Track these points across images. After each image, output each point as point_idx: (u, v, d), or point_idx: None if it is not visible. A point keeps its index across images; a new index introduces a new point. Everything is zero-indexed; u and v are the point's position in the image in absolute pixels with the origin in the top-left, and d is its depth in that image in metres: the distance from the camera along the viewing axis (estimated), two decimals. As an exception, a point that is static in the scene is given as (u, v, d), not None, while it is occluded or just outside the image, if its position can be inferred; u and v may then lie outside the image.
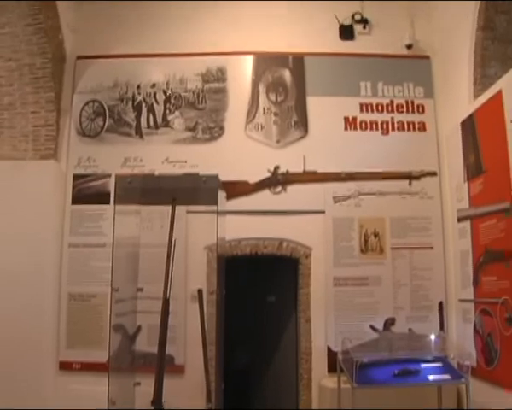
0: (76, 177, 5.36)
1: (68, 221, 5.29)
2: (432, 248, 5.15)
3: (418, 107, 5.43)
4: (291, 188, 5.24)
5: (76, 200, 5.31)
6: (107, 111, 5.47)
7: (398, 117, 5.40)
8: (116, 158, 5.31)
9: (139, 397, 3.96)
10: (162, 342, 3.50)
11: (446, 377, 4.20)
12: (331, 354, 4.93)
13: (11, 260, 4.98)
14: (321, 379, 4.96)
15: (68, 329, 5.15)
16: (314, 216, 5.17)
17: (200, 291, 3.80)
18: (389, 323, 5.06)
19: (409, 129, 5.38)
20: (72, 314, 5.16)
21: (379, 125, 5.37)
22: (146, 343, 4.83)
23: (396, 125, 5.38)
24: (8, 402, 4.77)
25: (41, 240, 5.08)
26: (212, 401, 3.50)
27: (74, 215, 5.29)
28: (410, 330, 5.01)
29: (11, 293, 4.95)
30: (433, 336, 4.69)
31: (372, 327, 5.04)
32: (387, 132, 5.37)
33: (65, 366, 5.11)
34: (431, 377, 4.19)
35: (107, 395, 3.29)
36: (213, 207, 3.84)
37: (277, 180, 5.23)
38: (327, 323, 5.04)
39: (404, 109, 5.41)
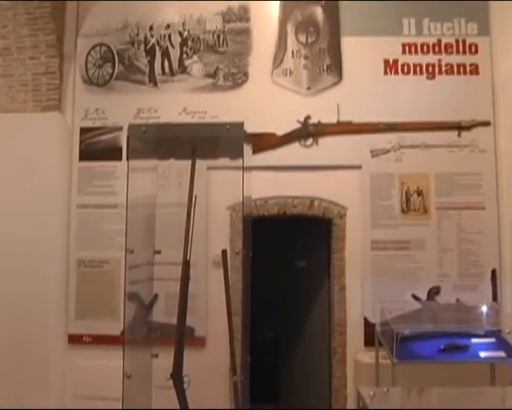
0: (83, 130, 5.24)
1: (76, 180, 5.19)
2: (483, 208, 4.98)
3: (470, 46, 5.16)
4: (323, 140, 5.08)
5: (84, 156, 5.20)
6: (116, 56, 5.31)
7: (446, 59, 5.16)
8: (128, 109, 5.16)
9: (157, 371, 3.86)
10: (182, 309, 3.42)
11: (500, 354, 4.08)
12: (368, 326, 4.85)
13: (13, 224, 4.89)
14: (356, 354, 4.88)
15: (78, 298, 5.10)
16: (349, 172, 5.03)
17: (224, 252, 3.66)
18: (434, 292, 4.92)
19: (459, 72, 5.14)
20: (82, 282, 5.09)
21: (424, 69, 5.14)
22: (163, 313, 4.75)
23: (444, 69, 5.14)
24: (12, 380, 4.78)
25: (46, 201, 4.96)
26: (238, 375, 3.36)
27: (82, 173, 5.19)
28: (457, 300, 4.88)
29: (14, 260, 4.87)
30: (484, 308, 4.57)
31: (414, 296, 4.91)
32: (434, 76, 5.13)
33: (74, 340, 5.07)
34: (482, 354, 4.08)
35: (122, 369, 3.19)
36: (237, 162, 3.66)
37: (308, 132, 5.07)
38: (363, 291, 4.94)
39: (454, 50, 5.17)
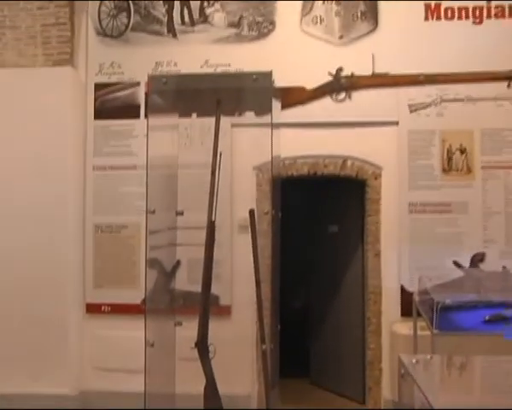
0: (98, 86, 5.24)
1: (91, 140, 5.21)
2: (534, 167, 4.91)
3: (523, -14, 5.02)
4: (357, 94, 5.03)
5: (99, 114, 5.22)
6: (131, 5, 5.27)
7: (495, 1, 5.00)
8: (145, 62, 5.14)
9: (180, 341, 3.91)
10: (207, 274, 3.40)
11: (550, 325, 4.04)
12: (405, 295, 4.84)
13: (26, 188, 4.95)
14: (393, 324, 4.88)
15: (95, 266, 5.17)
16: (385, 128, 4.98)
17: (252, 212, 3.62)
18: (477, 259, 4.88)
19: (511, 15, 4.98)
20: (100, 249, 5.16)
21: (470, 13, 5.02)
22: (186, 281, 4.80)
23: (493, 12, 5.01)
24: (28, 352, 4.90)
25: (59, 163, 5.00)
26: (267, 343, 3.38)
27: (98, 133, 5.21)
28: (503, 268, 4.82)
29: (28, 226, 4.95)
30: (533, 276, 4.52)
31: (456, 263, 4.88)
32: (481, 21, 5.01)
33: (92, 309, 5.15)
34: (531, 326, 4.03)
35: (145, 337, 3.22)
36: (264, 119, 3.61)
37: (340, 85, 5.02)
38: (400, 257, 4.93)
39: (504, -10, 5.03)
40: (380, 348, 4.95)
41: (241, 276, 4.73)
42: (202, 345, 3.42)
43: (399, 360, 2.51)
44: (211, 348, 3.47)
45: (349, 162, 5.01)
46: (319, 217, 5.77)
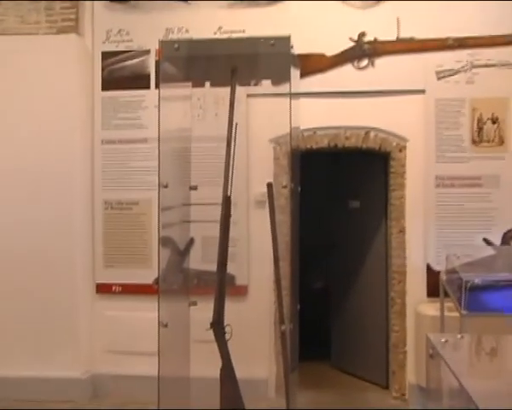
0: (105, 55, 5.25)
1: (99, 112, 5.25)
2: None
3: None
4: (381, 61, 5.00)
5: (107, 85, 5.23)
6: None
7: (531, -43, 4.93)
8: (155, 29, 5.12)
9: (195, 323, 3.94)
10: (223, 252, 3.41)
11: None
12: (431, 274, 4.86)
13: (30, 163, 5.00)
14: (418, 305, 4.90)
15: (105, 244, 5.23)
16: (411, 97, 4.95)
17: (270, 185, 3.62)
18: (509, 236, 4.87)
19: None
20: (110, 226, 5.21)
21: None
22: (200, 260, 4.85)
23: None
24: (37, 334, 4.99)
25: (65, 137, 5.04)
26: (286, 323, 3.40)
27: (106, 104, 5.23)
28: None
29: (33, 205, 5.01)
30: None
31: (486, 241, 4.87)
32: None
33: (102, 289, 5.23)
34: None
35: (158, 317, 3.25)
36: (281, 88, 3.58)
37: (363, 51, 5.00)
38: (426, 234, 4.93)
39: None
40: (404, 331, 4.97)
41: (259, 254, 4.78)
42: (218, 326, 3.44)
43: (427, 340, 2.50)
44: (227, 329, 3.48)
45: (372, 134, 5.00)
46: (340, 192, 5.78)
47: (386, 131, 4.98)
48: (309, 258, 5.52)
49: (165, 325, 3.27)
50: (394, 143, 4.98)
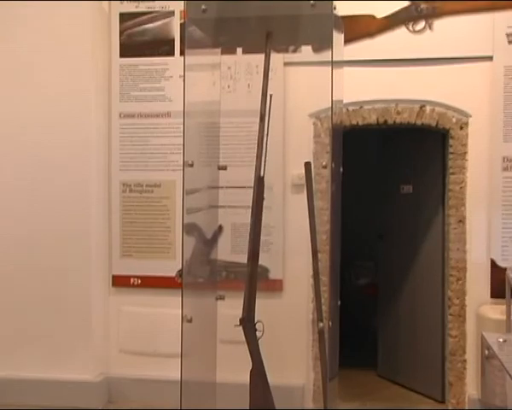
0: (124, 17, 5.31)
1: (116, 82, 5.33)
2: None
3: None
4: (440, 24, 4.97)
5: (126, 51, 5.30)
6: None
7: None
8: (180, -13, 5.20)
9: (223, 320, 4.01)
10: (255, 241, 3.44)
11: None
12: (496, 271, 4.85)
13: (40, 138, 5.14)
14: (480, 307, 4.90)
15: (123, 232, 5.33)
16: (475, 65, 4.94)
17: (308, 165, 3.64)
18: None
19: None
20: (128, 211, 5.31)
21: None
22: (229, 249, 4.94)
23: None
24: (47, 331, 5.15)
25: (79, 109, 5.15)
26: (325, 321, 3.43)
27: (124, 73, 5.31)
28: None
29: (43, 187, 5.16)
30: None
31: None
32: None
33: (119, 282, 5.35)
34: None
35: (181, 312, 3.30)
36: (323, 55, 3.59)
37: (419, 12, 4.97)
38: (490, 225, 4.93)
39: None
40: (463, 336, 4.98)
41: (296, 245, 4.84)
42: (248, 322, 3.48)
43: (482, 339, 2.57)
44: (258, 326, 3.52)
45: (428, 108, 4.99)
46: (390, 176, 5.79)
47: (445, 104, 4.97)
48: (353, 251, 5.58)
49: (190, 321, 3.30)
50: (454, 119, 4.97)
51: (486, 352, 2.49)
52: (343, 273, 4.34)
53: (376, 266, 6.11)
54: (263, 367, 3.56)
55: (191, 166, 3.29)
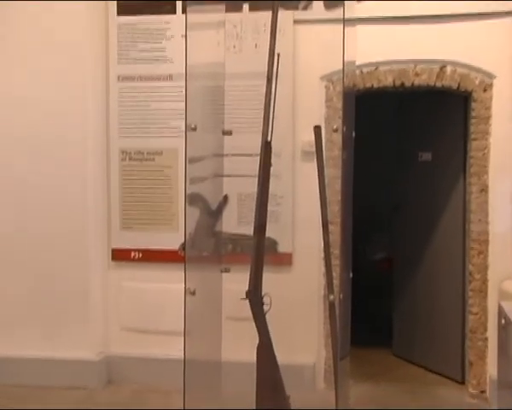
0: None
1: (114, 42, 5.33)
2: None
3: None
4: None
5: (124, 8, 5.28)
6: None
7: None
8: None
9: (228, 294, 4.04)
10: (262, 210, 3.47)
11: None
12: None
13: (34, 104, 5.15)
14: (502, 282, 4.90)
15: (123, 203, 5.37)
16: (501, 22, 4.89)
17: (317, 129, 3.65)
18: None
19: None
20: (128, 181, 5.34)
21: None
22: (235, 221, 4.98)
23: None
24: (44, 307, 5.22)
25: (74, 71, 5.16)
26: (336, 293, 3.45)
27: (123, 33, 5.30)
28: None
29: (37, 155, 5.19)
30: None
31: None
32: None
33: (119, 256, 5.40)
34: None
35: (184, 285, 3.31)
36: (335, 13, 3.61)
37: None
38: None
39: None
40: (485, 313, 5.01)
41: (306, 216, 4.86)
42: (255, 294, 3.51)
43: (499, 309, 2.59)
44: (266, 299, 3.55)
45: (449, 69, 4.97)
46: (408, 142, 5.78)
47: (468, 65, 4.94)
48: (368, 222, 5.59)
49: (193, 293, 3.31)
50: (477, 81, 4.95)
51: (503, 321, 2.52)
52: (357, 247, 4.34)
53: (392, 239, 6.12)
54: (270, 342, 3.59)
55: (194, 130, 3.30)
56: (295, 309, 4.77)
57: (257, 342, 3.65)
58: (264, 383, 3.50)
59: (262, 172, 3.44)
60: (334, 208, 4.44)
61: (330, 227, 3.95)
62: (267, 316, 3.58)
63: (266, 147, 3.41)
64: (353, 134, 3.65)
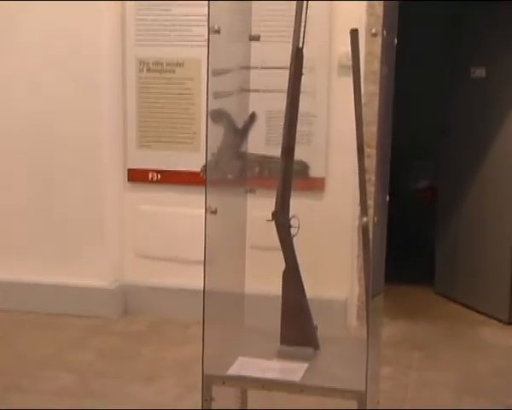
0: None
1: None
2: None
3: None
4: None
5: None
6: None
7: None
8: None
9: (253, 220, 4.04)
10: (291, 126, 3.41)
11: None
12: None
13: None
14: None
15: (139, 119, 5.39)
16: None
17: (354, 32, 3.53)
18: None
19: None
20: (145, 94, 5.34)
21: None
22: (263, 141, 4.94)
23: None
24: (54, 232, 5.34)
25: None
26: (370, 215, 3.38)
27: None
28: None
29: (48, 64, 5.21)
30: None
31: None
32: None
33: (136, 177, 5.45)
34: None
35: (205, 201, 3.27)
36: None
37: None
38: None
39: None
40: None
41: (341, 138, 4.78)
42: (282, 215, 3.47)
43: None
44: (294, 222, 3.53)
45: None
46: (458, 55, 5.68)
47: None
48: (411, 147, 5.54)
49: (214, 212, 3.26)
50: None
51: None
52: (398, 174, 4.29)
53: (438, 166, 6.08)
54: (297, 266, 3.52)
55: (217, 32, 3.22)
56: (327, 239, 4.80)
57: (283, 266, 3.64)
58: (290, 311, 3.49)
59: (292, 82, 3.36)
60: (372, 130, 4.39)
61: (367, 150, 3.89)
62: (295, 243, 3.56)
63: (297, 54, 3.33)
64: (395, 40, 3.56)
